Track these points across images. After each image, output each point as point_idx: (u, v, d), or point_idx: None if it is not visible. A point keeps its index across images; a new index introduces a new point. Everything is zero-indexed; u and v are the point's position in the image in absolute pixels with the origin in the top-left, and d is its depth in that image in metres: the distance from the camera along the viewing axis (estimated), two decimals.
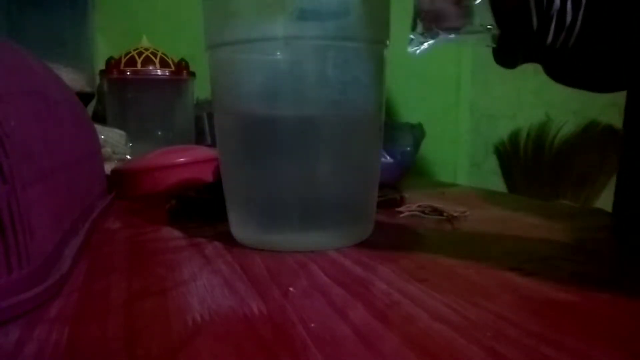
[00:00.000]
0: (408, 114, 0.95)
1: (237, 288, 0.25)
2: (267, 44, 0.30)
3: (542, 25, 0.34)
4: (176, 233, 0.37)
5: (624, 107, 0.44)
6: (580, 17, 0.34)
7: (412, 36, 0.37)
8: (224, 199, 0.34)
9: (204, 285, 0.25)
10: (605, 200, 0.96)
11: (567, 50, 0.36)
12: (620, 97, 0.47)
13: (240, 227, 0.34)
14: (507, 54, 0.38)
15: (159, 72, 0.70)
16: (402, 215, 0.42)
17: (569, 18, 0.34)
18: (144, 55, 0.69)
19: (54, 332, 0.20)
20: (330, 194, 0.32)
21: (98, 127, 0.53)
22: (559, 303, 0.23)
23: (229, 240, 0.34)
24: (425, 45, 0.36)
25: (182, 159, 0.46)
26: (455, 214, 0.41)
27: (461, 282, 0.26)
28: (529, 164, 1.02)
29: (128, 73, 0.69)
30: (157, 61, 0.70)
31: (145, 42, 0.71)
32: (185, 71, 0.72)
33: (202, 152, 0.50)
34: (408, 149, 0.58)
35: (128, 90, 0.71)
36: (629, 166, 0.43)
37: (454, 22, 0.35)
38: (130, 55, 0.69)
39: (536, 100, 1.04)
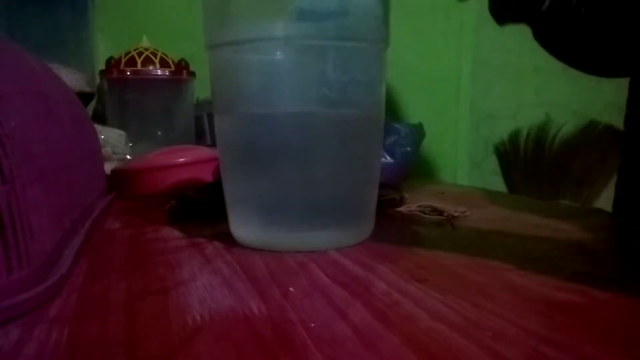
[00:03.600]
0: (408, 114, 0.95)
1: (237, 288, 0.25)
2: (267, 44, 0.30)
3: None
4: (176, 233, 0.37)
5: (626, 102, 0.44)
6: None
7: None
8: (224, 199, 0.34)
9: (204, 285, 0.25)
10: (605, 200, 0.96)
11: (560, 17, 0.36)
12: (620, 97, 0.47)
13: (240, 227, 0.34)
14: (500, 9, 0.38)
15: (159, 72, 0.70)
16: (402, 215, 0.42)
17: None
18: (144, 55, 0.69)
19: (54, 332, 0.20)
20: (330, 193, 0.32)
21: (98, 127, 0.53)
22: (559, 303, 0.23)
23: (229, 240, 0.34)
24: None
25: (182, 159, 0.46)
26: (455, 214, 0.41)
27: (461, 282, 0.26)
28: (529, 164, 1.02)
29: (128, 73, 0.69)
30: (157, 61, 0.69)
31: (145, 42, 0.71)
32: (185, 71, 0.72)
33: (202, 152, 0.50)
34: (408, 149, 0.58)
35: (128, 90, 0.71)
36: (629, 163, 0.43)
37: None
38: (130, 55, 0.69)
39: (536, 100, 1.04)
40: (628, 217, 0.41)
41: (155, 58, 0.70)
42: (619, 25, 0.36)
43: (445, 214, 0.41)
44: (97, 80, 0.73)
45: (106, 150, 0.58)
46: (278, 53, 0.31)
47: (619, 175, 0.44)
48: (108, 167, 0.51)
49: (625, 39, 0.37)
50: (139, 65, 0.69)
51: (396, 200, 0.46)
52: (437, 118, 0.98)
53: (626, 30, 0.36)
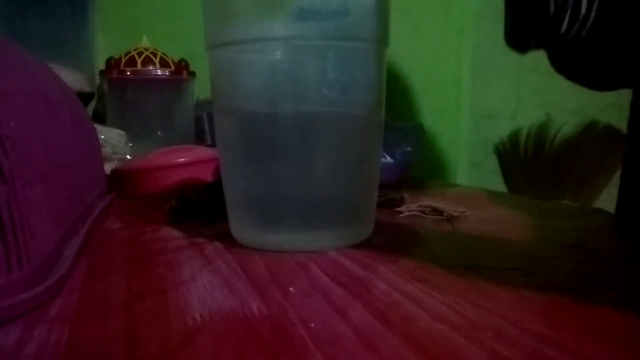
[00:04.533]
0: (408, 114, 0.95)
1: (237, 288, 0.25)
2: (267, 44, 0.30)
3: (558, 12, 0.35)
4: (176, 233, 0.37)
5: (630, 105, 0.44)
6: (594, 9, 0.34)
7: None
8: (224, 199, 0.34)
9: (204, 285, 0.25)
10: (605, 200, 0.96)
11: (578, 42, 0.36)
12: (620, 97, 0.47)
13: (240, 227, 0.34)
14: (521, 37, 0.39)
15: (159, 72, 0.70)
16: (402, 215, 0.42)
17: (583, 9, 0.35)
18: (144, 55, 0.69)
19: (54, 332, 0.20)
20: (330, 193, 0.32)
21: (98, 127, 0.53)
22: (559, 303, 0.23)
23: (229, 240, 0.34)
24: None
25: (182, 159, 0.46)
26: (455, 214, 0.41)
27: (461, 282, 0.26)
28: (529, 164, 1.02)
29: (128, 73, 0.69)
30: (157, 61, 0.69)
31: (145, 42, 0.71)
32: (185, 71, 0.72)
33: (202, 152, 0.50)
34: (408, 149, 0.58)
35: (128, 90, 0.71)
36: (632, 164, 0.43)
37: None
38: (130, 55, 0.69)
39: (536, 100, 1.04)
40: (631, 220, 0.41)
41: (155, 58, 0.70)
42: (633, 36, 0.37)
43: (445, 214, 0.41)
44: (97, 80, 0.73)
45: (106, 150, 0.59)
46: (278, 53, 0.31)
47: (621, 179, 0.45)
48: (108, 167, 0.51)
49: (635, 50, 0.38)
50: (139, 65, 0.69)
51: (396, 200, 0.46)
52: (437, 118, 0.98)
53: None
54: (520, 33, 0.39)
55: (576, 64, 0.42)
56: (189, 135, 0.73)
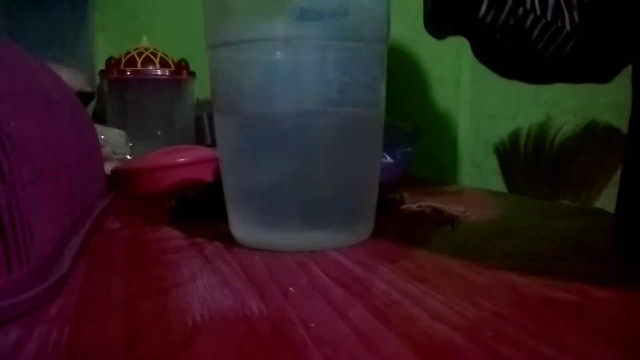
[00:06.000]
0: (408, 114, 0.95)
1: (237, 288, 0.25)
2: (267, 44, 0.30)
3: None
4: (176, 233, 0.37)
5: (632, 104, 0.44)
6: None
7: None
8: (224, 199, 0.34)
9: (204, 285, 0.25)
10: (605, 200, 0.96)
11: (496, 29, 0.35)
12: (620, 97, 0.47)
13: (240, 227, 0.34)
14: (438, 22, 0.38)
15: (159, 72, 0.70)
16: (402, 215, 0.42)
17: None
18: (144, 55, 0.69)
19: (54, 332, 0.20)
20: (330, 193, 0.32)
21: (98, 127, 0.53)
22: (559, 303, 0.23)
23: (229, 240, 0.34)
24: None
25: (182, 159, 0.46)
26: (455, 214, 0.41)
27: (461, 282, 0.26)
28: (529, 164, 1.02)
29: (128, 73, 0.69)
30: (157, 61, 0.69)
31: (145, 42, 0.71)
32: (185, 71, 0.72)
33: (202, 152, 0.50)
34: (408, 149, 0.58)
35: (128, 90, 0.71)
36: (632, 164, 0.43)
37: None
38: (130, 55, 0.69)
39: (536, 100, 1.04)
40: (631, 220, 0.41)
41: (155, 58, 0.70)
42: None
43: (445, 214, 0.41)
44: (97, 80, 0.73)
45: (106, 150, 0.59)
46: (278, 53, 0.31)
47: (622, 179, 0.44)
48: (108, 167, 0.51)
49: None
50: (139, 65, 0.69)
51: (396, 200, 0.46)
52: (437, 118, 0.98)
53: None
54: (438, 17, 0.38)
55: (498, 55, 0.41)
56: (189, 135, 0.73)
